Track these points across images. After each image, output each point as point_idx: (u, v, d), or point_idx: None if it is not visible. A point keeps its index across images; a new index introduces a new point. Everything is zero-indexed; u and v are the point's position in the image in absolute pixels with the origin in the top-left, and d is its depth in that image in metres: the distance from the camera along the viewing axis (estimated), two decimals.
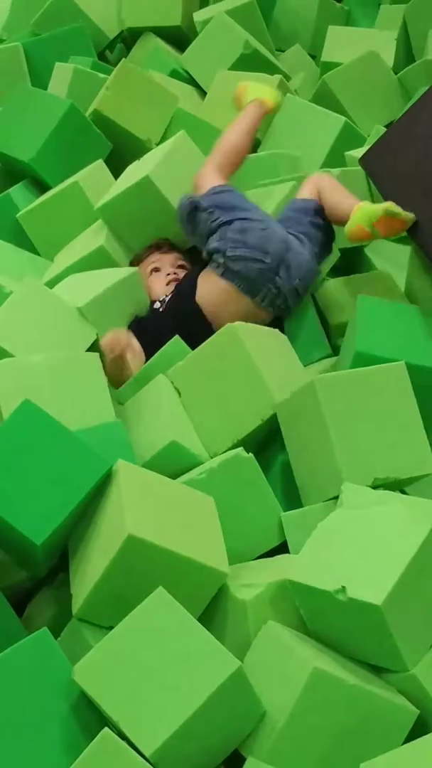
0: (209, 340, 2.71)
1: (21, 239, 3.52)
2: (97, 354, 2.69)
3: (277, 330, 2.84)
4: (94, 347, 2.80)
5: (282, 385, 2.57)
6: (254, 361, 2.59)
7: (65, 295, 2.91)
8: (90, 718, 2.03)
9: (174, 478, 2.44)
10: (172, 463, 2.50)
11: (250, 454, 2.45)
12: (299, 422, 2.49)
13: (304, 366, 2.84)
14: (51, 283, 3.11)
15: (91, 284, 2.97)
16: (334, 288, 3.17)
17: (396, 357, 2.51)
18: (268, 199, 3.30)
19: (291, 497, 2.52)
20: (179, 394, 2.68)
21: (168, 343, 2.83)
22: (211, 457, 2.55)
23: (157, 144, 3.76)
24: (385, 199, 3.10)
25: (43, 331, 2.76)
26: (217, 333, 2.70)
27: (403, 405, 2.41)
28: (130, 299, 3.03)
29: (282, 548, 2.41)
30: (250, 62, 4.07)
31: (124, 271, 3.07)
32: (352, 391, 2.41)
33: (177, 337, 2.85)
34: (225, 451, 2.54)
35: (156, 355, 2.83)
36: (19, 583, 2.42)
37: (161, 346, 2.82)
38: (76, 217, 3.41)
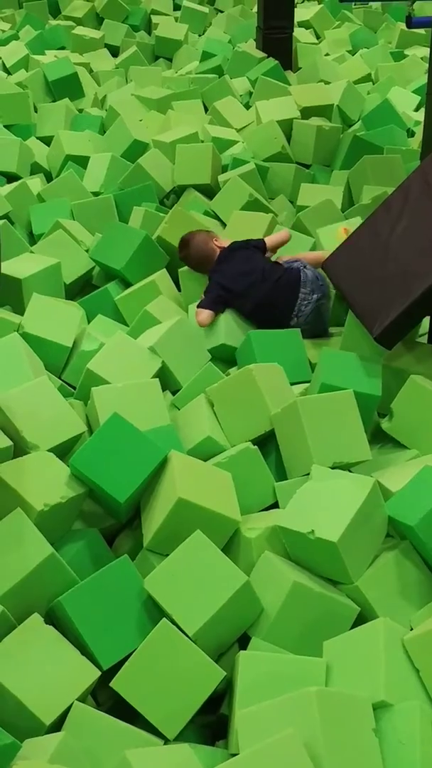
0: (233, 376, 2.61)
1: (114, 317, 3.43)
2: (157, 380, 2.62)
3: (275, 364, 2.67)
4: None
5: (277, 403, 2.52)
6: (264, 397, 2.51)
7: (142, 341, 2.89)
8: (155, 614, 2.02)
9: (206, 459, 2.43)
10: (207, 450, 2.46)
11: (255, 447, 2.42)
12: (286, 426, 2.46)
13: (291, 384, 2.70)
14: None
15: (157, 330, 2.93)
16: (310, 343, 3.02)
17: (347, 387, 2.47)
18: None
19: (281, 473, 2.48)
20: (213, 404, 2.61)
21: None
22: (232, 446, 2.51)
23: None
24: (341, 294, 2.88)
25: (126, 364, 2.73)
26: (239, 372, 2.61)
27: (350, 417, 2.39)
28: (187, 334, 2.92)
29: (275, 505, 2.37)
30: (253, 206, 4.05)
31: (175, 317, 2.97)
32: (321, 408, 2.39)
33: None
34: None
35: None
36: (110, 527, 2.39)
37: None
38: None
